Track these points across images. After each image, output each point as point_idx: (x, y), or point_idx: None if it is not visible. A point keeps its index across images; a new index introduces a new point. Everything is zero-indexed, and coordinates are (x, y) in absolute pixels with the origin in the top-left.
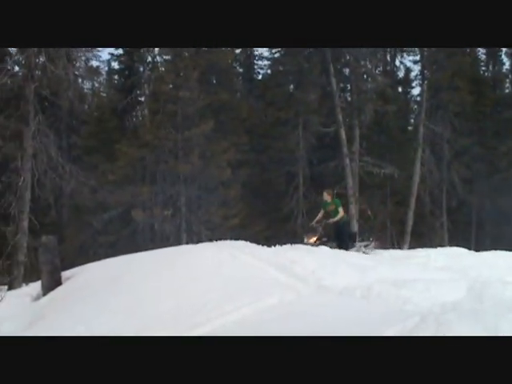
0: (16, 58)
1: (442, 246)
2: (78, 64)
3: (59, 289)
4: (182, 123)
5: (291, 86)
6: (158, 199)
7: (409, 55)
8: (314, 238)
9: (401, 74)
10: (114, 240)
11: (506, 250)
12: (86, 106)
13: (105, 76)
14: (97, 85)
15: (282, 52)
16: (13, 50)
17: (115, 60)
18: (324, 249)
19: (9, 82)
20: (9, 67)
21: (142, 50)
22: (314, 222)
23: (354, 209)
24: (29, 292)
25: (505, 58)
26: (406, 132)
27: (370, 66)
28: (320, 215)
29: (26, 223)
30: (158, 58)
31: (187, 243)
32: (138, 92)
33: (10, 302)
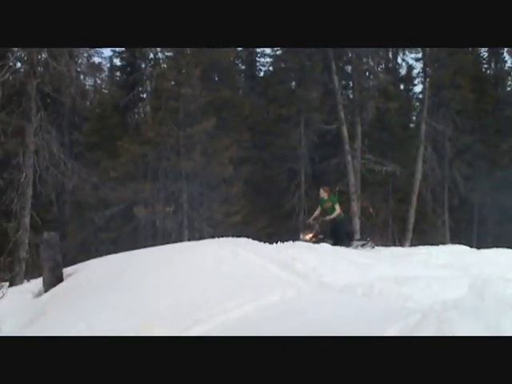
0: (18, 54)
1: (443, 243)
2: (80, 60)
3: (61, 285)
4: (183, 120)
5: (293, 84)
6: (159, 196)
7: (411, 53)
8: (310, 235)
9: (403, 71)
10: (116, 236)
11: (508, 247)
12: (88, 103)
13: (107, 73)
14: (99, 81)
15: (284, 49)
16: None
17: (117, 57)
18: (325, 246)
19: (11, 78)
20: (11, 63)
21: None
22: (310, 219)
23: (355, 206)
24: (30, 288)
25: (507, 56)
26: (407, 129)
27: (372, 64)
28: (317, 212)
29: (27, 220)
30: (159, 55)
31: (189, 240)
32: (140, 89)
33: (12, 298)
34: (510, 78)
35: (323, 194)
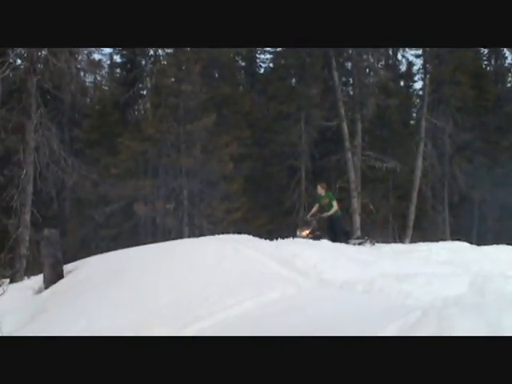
0: (18, 51)
1: (443, 240)
2: (80, 57)
3: (61, 282)
4: (184, 117)
5: (293, 80)
6: (160, 193)
7: (411, 49)
8: (307, 231)
9: (403, 67)
10: (116, 233)
11: (508, 244)
12: (88, 100)
13: (107, 69)
14: (99, 78)
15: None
16: None
17: (117, 53)
18: (325, 243)
19: (11, 75)
20: (11, 60)
21: None
22: (308, 216)
23: (356, 203)
24: (31, 285)
25: (507, 53)
26: (408, 126)
27: (372, 60)
28: (315, 209)
29: (28, 216)
30: (159, 52)
31: (189, 237)
32: (140, 85)
33: (12, 295)
34: (510, 75)
35: (320, 190)
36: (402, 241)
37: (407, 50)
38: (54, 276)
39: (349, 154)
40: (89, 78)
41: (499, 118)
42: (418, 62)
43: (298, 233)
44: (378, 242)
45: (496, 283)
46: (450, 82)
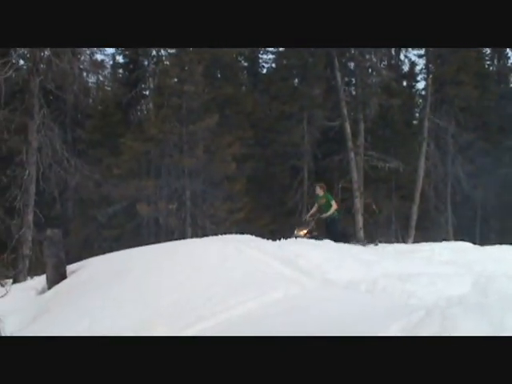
0: (21, 51)
1: (446, 240)
2: (82, 58)
3: (64, 282)
4: (186, 117)
5: (296, 80)
6: (162, 193)
7: (413, 49)
8: (305, 231)
9: (405, 67)
10: (119, 234)
11: (511, 244)
12: (91, 100)
13: (109, 70)
14: (101, 78)
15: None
16: None
17: (120, 54)
18: (329, 243)
19: (14, 75)
20: (14, 61)
21: None
22: (307, 216)
23: (358, 203)
24: (34, 285)
25: (510, 53)
26: (410, 126)
27: (374, 60)
28: (314, 209)
29: (30, 217)
30: (162, 52)
31: (192, 237)
32: (143, 86)
33: (15, 295)
34: None
35: (319, 190)
36: (404, 241)
37: (410, 50)
38: (57, 276)
39: (351, 154)
40: (91, 79)
41: (502, 118)
42: (421, 62)
43: (295, 232)
44: (380, 242)
45: (499, 283)
46: (453, 82)
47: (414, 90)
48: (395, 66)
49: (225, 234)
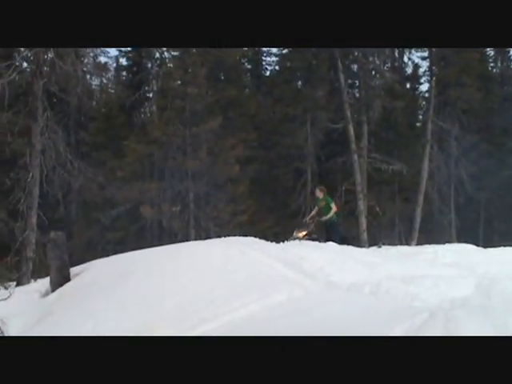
0: (24, 54)
1: (450, 242)
2: (86, 60)
3: (68, 285)
4: (190, 119)
5: (299, 83)
6: (166, 195)
7: (417, 51)
8: (304, 233)
9: (409, 70)
10: (122, 236)
11: None
12: (94, 103)
13: (113, 72)
14: (105, 81)
15: (290, 48)
16: None
17: (123, 56)
18: (332, 245)
19: (17, 78)
20: (17, 63)
21: None
22: (307, 218)
23: (362, 205)
24: (37, 288)
25: None
26: (414, 128)
27: (378, 62)
28: (314, 212)
29: (34, 219)
30: (166, 54)
31: (195, 239)
32: (146, 88)
33: (19, 298)
34: None
35: (319, 193)
36: (408, 243)
37: (413, 51)
38: (61, 279)
39: (355, 156)
40: (95, 81)
41: (505, 120)
42: (424, 64)
43: (294, 234)
44: (384, 244)
45: (502, 285)
46: (456, 84)
47: (417, 92)
48: (398, 68)
49: (228, 236)
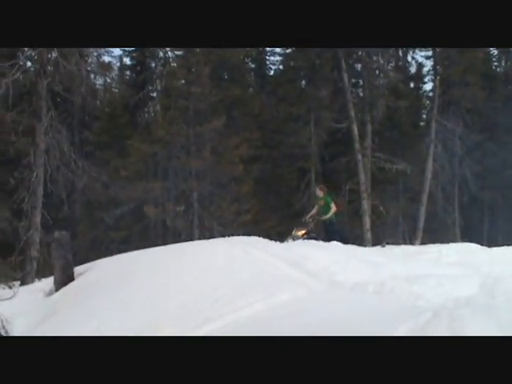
0: (28, 53)
1: (454, 242)
2: (90, 60)
3: (72, 284)
4: (193, 119)
5: (303, 82)
6: (170, 195)
7: (421, 51)
8: (303, 232)
9: (413, 69)
10: (126, 235)
11: None
12: (98, 102)
13: (117, 72)
14: (109, 80)
15: (294, 48)
16: None
17: (127, 56)
18: (336, 244)
19: (21, 77)
20: (21, 63)
21: None
22: (307, 217)
23: (366, 205)
24: (41, 287)
25: None
26: (418, 128)
27: (382, 62)
28: (314, 211)
29: (38, 219)
30: (169, 54)
31: (199, 239)
32: (150, 88)
33: (23, 297)
34: None
35: (319, 192)
36: (412, 242)
37: (417, 51)
38: (65, 278)
39: (359, 156)
40: (99, 81)
41: (509, 119)
42: (428, 64)
43: (293, 232)
44: (388, 243)
45: (506, 284)
46: (460, 84)
47: (421, 92)
48: (402, 67)
49: (232, 235)
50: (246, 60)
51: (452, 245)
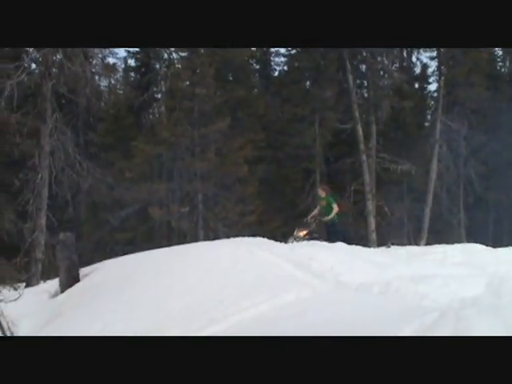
0: (33, 55)
1: (459, 242)
2: (94, 61)
3: (77, 286)
4: (198, 120)
5: (308, 83)
6: (174, 196)
7: (425, 51)
8: (304, 232)
9: (417, 70)
10: (131, 237)
11: None
12: (103, 104)
13: (121, 73)
14: (113, 82)
15: (299, 49)
16: None
17: (132, 57)
18: (341, 245)
19: (26, 79)
20: (26, 65)
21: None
22: (309, 217)
23: (370, 205)
24: (47, 289)
25: None
26: (422, 128)
27: (386, 62)
28: (316, 211)
29: (43, 220)
30: (174, 55)
31: (204, 240)
32: (155, 89)
33: (28, 299)
34: None
35: (321, 192)
36: (417, 243)
37: (421, 51)
38: (70, 279)
39: (363, 157)
40: (103, 82)
41: None
42: (433, 64)
43: (295, 233)
44: (393, 244)
45: None
46: (465, 84)
47: (425, 92)
48: (407, 68)
49: (237, 236)
50: (251, 61)
51: (457, 245)
